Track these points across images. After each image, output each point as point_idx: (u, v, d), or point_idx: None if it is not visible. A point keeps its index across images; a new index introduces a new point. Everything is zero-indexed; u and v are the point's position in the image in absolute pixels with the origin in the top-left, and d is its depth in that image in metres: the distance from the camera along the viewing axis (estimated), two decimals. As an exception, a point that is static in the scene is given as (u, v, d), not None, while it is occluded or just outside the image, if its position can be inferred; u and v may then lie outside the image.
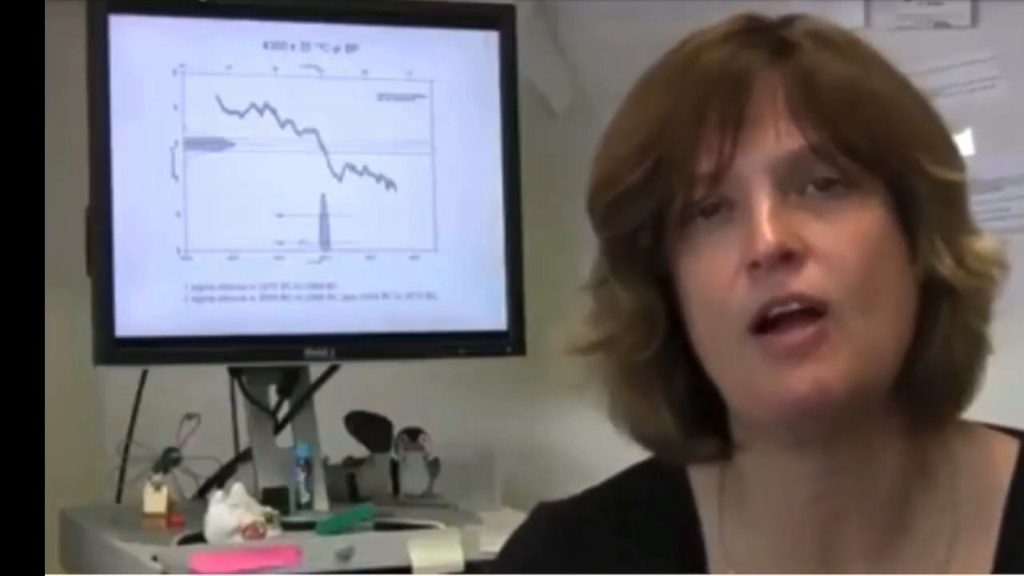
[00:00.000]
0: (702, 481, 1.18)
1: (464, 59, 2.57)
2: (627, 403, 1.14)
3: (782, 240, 1.03)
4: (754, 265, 1.04)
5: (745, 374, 1.06)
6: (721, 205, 1.07)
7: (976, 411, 1.14)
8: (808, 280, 1.04)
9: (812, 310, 1.04)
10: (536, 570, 1.20)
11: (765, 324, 1.04)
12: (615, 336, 1.12)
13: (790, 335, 1.04)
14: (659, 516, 1.18)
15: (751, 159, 1.06)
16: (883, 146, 1.06)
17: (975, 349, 1.10)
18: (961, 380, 1.11)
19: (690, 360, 1.11)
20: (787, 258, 1.03)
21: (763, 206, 1.05)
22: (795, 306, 1.04)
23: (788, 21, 1.12)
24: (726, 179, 1.06)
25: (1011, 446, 1.15)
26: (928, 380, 1.09)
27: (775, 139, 1.06)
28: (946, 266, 1.08)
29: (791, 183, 1.06)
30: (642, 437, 1.15)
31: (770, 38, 1.09)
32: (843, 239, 1.05)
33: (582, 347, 1.14)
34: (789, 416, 1.05)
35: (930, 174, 1.08)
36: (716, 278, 1.06)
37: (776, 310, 1.04)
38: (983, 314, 1.10)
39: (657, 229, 1.09)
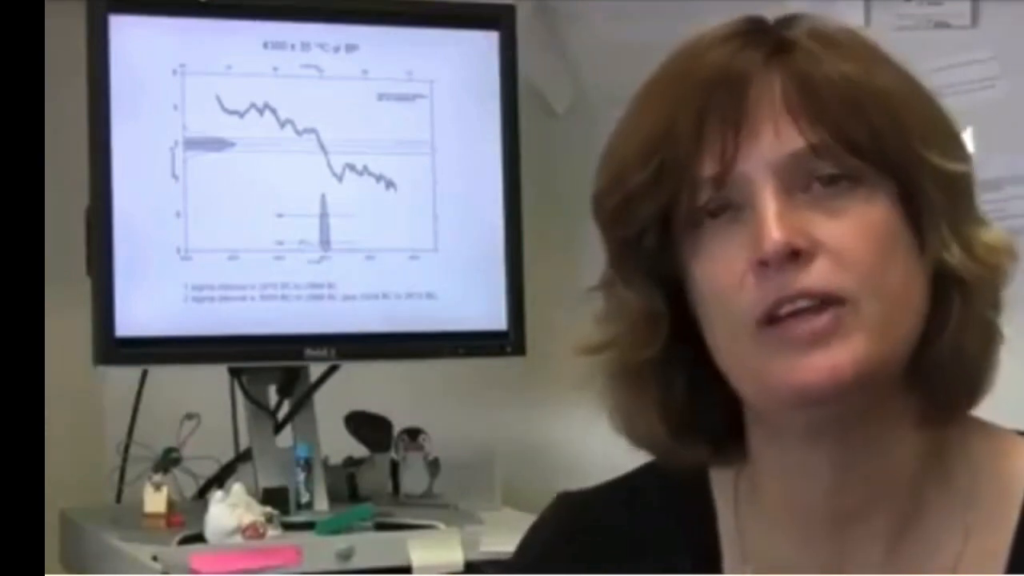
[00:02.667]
0: (719, 475, 1.19)
1: (464, 59, 2.57)
2: (621, 404, 1.14)
3: (789, 238, 1.04)
4: (762, 264, 1.05)
5: (758, 366, 1.06)
6: (728, 206, 1.07)
7: (988, 411, 1.15)
8: (816, 276, 1.04)
9: (823, 303, 1.04)
10: (553, 555, 1.21)
11: (775, 320, 1.05)
12: (619, 337, 1.13)
13: (804, 324, 1.04)
14: (676, 509, 1.19)
15: (753, 161, 1.06)
16: (885, 141, 1.07)
17: (987, 338, 1.11)
18: (973, 369, 1.11)
19: (691, 365, 1.12)
20: (795, 256, 1.04)
21: (769, 207, 1.05)
22: (802, 303, 1.04)
23: (789, 21, 1.12)
24: (730, 181, 1.07)
25: None
26: (939, 369, 1.09)
27: (775, 139, 1.06)
28: (954, 256, 1.08)
29: (796, 182, 1.06)
30: (634, 438, 1.16)
31: (770, 38, 1.10)
32: (851, 233, 1.05)
33: (589, 348, 1.14)
34: (804, 403, 1.06)
35: (934, 166, 1.08)
36: (726, 277, 1.07)
37: (785, 308, 1.05)
38: (993, 304, 1.11)
39: (663, 231, 1.10)
